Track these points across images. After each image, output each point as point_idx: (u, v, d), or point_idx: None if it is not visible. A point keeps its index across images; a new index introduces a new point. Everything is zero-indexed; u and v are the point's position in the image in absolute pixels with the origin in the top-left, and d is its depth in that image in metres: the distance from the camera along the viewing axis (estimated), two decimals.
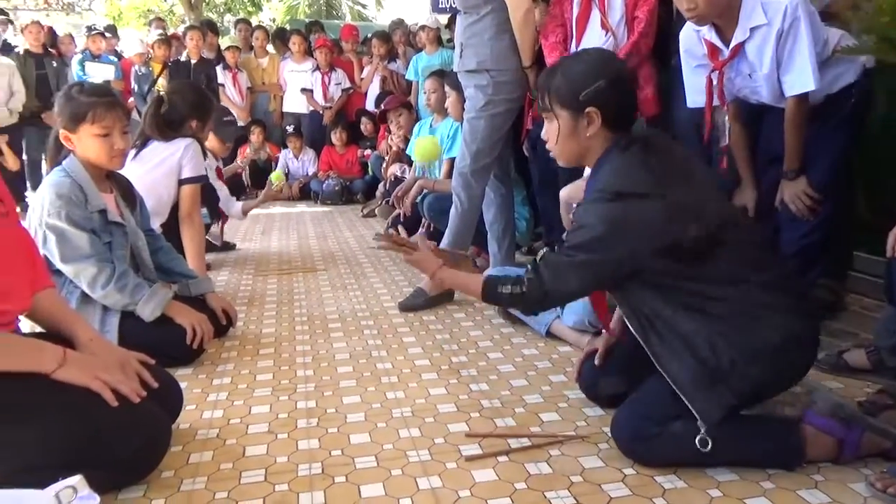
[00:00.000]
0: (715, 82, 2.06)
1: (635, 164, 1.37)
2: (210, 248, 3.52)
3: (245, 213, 3.70)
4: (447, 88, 3.34)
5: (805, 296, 1.49)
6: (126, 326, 1.99)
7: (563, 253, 1.39)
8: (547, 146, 1.52)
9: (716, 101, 2.09)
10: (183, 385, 1.76)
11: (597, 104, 1.41)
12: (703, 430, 1.34)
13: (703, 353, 1.33)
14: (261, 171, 6.42)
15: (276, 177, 4.06)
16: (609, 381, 1.67)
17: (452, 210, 2.70)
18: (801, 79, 1.90)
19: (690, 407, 1.35)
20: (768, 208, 2.15)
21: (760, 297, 1.35)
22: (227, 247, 3.95)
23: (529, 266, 1.45)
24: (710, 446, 1.34)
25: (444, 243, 2.71)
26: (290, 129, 6.40)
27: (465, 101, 2.69)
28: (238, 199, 3.98)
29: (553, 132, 1.48)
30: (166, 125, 2.69)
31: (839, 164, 2.10)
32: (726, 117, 2.14)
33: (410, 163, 4.33)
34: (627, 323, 1.45)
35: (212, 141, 3.48)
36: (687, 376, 1.35)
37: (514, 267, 2.61)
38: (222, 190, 3.51)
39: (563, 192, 2.18)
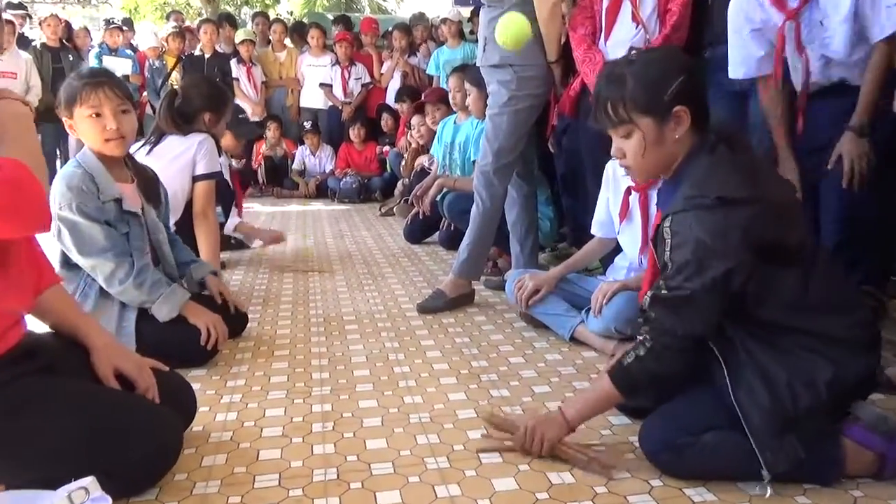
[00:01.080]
0: (790, 33, 1.92)
1: (727, 165, 1.31)
2: (226, 246, 3.53)
3: (235, 230, 3.63)
4: (467, 85, 3.33)
5: (873, 324, 1.43)
6: (140, 325, 2.00)
7: (672, 284, 1.30)
8: (624, 164, 1.43)
9: (793, 56, 1.95)
10: (196, 386, 1.77)
11: (684, 101, 1.35)
12: (766, 478, 1.31)
13: (782, 395, 1.29)
14: (276, 168, 6.46)
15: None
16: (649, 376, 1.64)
17: (474, 209, 2.69)
18: (894, 16, 1.77)
19: (757, 452, 1.30)
20: (809, 195, 2.04)
21: (838, 332, 1.32)
22: (242, 245, 3.98)
23: (639, 320, 1.37)
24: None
25: (464, 244, 2.72)
26: (307, 125, 6.43)
27: (487, 97, 2.68)
28: (249, 194, 3.91)
29: (635, 146, 1.38)
30: (180, 118, 2.71)
31: None
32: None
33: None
34: (711, 343, 1.38)
35: (227, 139, 3.50)
36: (760, 418, 1.31)
37: (537, 269, 2.62)
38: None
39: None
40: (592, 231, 2.35)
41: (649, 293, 1.35)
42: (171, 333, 2.02)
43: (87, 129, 1.93)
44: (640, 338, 1.36)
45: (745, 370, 1.33)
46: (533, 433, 1.46)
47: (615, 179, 2.23)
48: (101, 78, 1.93)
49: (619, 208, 2.17)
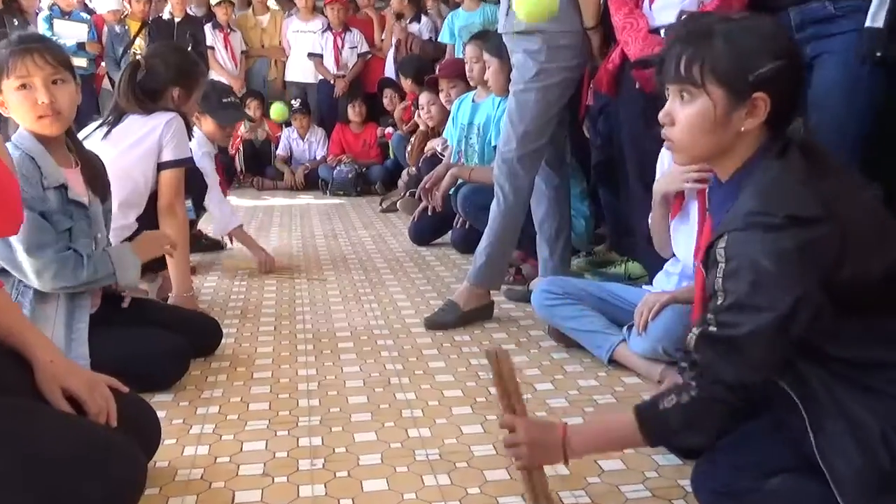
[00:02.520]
0: None
1: (800, 177, 1.27)
2: (195, 246, 3.54)
3: (229, 237, 3.65)
4: (486, 56, 3.33)
5: None
6: (91, 338, 2.00)
7: (724, 320, 1.26)
8: (668, 135, 1.40)
9: None
10: (161, 413, 1.76)
11: (769, 90, 1.31)
12: None
13: (875, 449, 1.26)
14: (257, 155, 6.48)
15: (278, 111, 3.74)
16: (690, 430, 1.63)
17: (494, 205, 2.69)
18: None
19: None
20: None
21: None
22: (216, 245, 3.99)
23: (680, 362, 1.33)
24: None
25: (481, 246, 2.71)
26: (294, 102, 6.48)
27: (510, 70, 2.67)
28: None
29: (691, 116, 1.34)
30: (144, 95, 2.71)
31: None
32: None
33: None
34: (781, 382, 1.35)
35: (208, 125, 3.52)
36: (851, 477, 1.27)
37: (571, 277, 2.62)
38: (214, 190, 3.44)
39: (658, 186, 2.14)
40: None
41: (695, 330, 1.31)
42: (130, 347, 2.03)
43: (16, 104, 1.92)
44: (685, 381, 1.32)
45: (827, 418, 1.29)
46: (521, 446, 1.43)
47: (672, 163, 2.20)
48: (32, 44, 1.91)
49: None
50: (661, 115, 1.40)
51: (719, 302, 1.27)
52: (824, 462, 1.29)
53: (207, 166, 3.43)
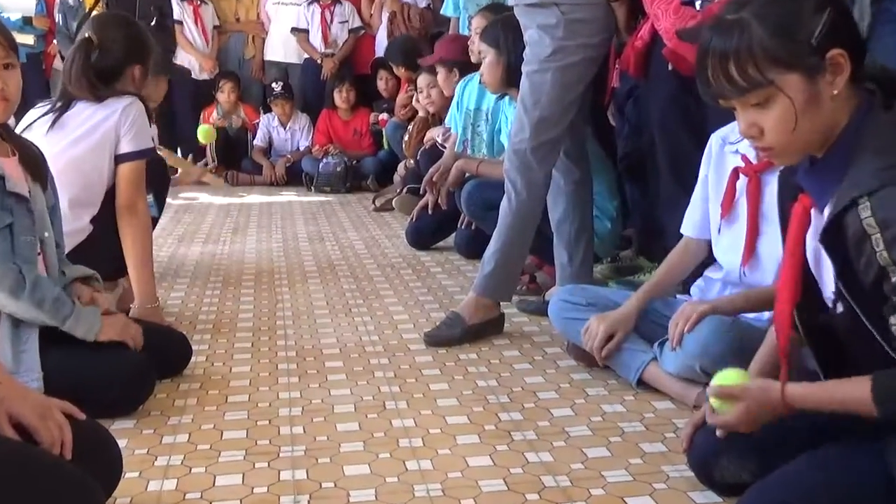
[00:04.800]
0: None
1: None
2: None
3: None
4: (482, 45, 3.18)
5: None
6: (43, 355, 1.99)
7: None
8: (762, 146, 1.40)
9: None
10: (122, 443, 1.75)
11: (838, 42, 1.31)
12: None
13: None
14: (231, 145, 6.47)
15: (204, 133, 3.64)
16: (734, 463, 1.61)
17: (504, 203, 2.68)
18: None
19: None
20: None
21: None
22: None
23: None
24: None
25: (490, 251, 2.71)
26: (275, 85, 6.47)
27: (509, 58, 2.68)
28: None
29: (780, 117, 1.34)
30: (100, 78, 2.68)
31: None
32: None
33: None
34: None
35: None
36: None
37: (595, 286, 2.62)
38: None
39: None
40: (683, 230, 2.33)
41: (893, 319, 1.28)
42: (86, 367, 2.02)
43: None
44: None
45: None
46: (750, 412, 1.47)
47: (720, 157, 2.21)
48: None
49: (721, 199, 2.16)
50: (743, 131, 1.40)
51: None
52: None
53: None
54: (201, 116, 6.39)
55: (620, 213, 3.46)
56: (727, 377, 1.54)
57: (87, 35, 2.72)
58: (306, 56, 6.64)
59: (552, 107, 2.57)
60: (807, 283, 1.45)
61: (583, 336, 2.32)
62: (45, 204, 2.12)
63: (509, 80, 2.97)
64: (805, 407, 1.41)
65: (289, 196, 5.89)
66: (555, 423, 2.06)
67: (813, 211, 1.40)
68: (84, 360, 2.05)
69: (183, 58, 6.57)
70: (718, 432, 1.56)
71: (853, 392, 1.33)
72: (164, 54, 3.43)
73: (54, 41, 6.47)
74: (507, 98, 3.43)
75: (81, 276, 2.25)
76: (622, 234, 3.62)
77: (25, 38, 6.06)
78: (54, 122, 2.63)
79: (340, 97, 6.25)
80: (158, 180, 3.09)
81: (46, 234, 2.11)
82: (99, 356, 2.07)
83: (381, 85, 6.25)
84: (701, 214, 2.28)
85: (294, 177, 6.34)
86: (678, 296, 2.45)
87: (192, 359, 2.45)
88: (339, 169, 6.01)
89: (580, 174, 2.84)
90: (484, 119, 3.77)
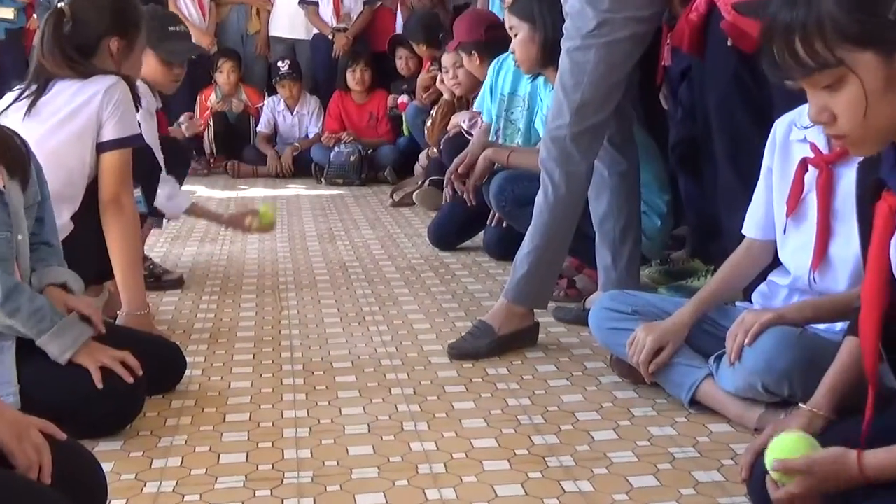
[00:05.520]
0: None
1: None
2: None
3: (188, 213, 3.62)
4: (514, 20, 3.17)
5: None
6: (20, 370, 2.00)
7: None
8: (834, 133, 1.40)
9: None
10: (108, 466, 1.77)
11: None
12: None
13: None
14: (232, 132, 6.44)
15: (265, 214, 3.56)
16: None
17: (540, 198, 2.65)
18: None
19: None
20: None
21: None
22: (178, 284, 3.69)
23: None
24: None
25: (523, 252, 2.67)
26: (280, 64, 6.48)
27: (545, 33, 2.66)
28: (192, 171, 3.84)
29: (851, 101, 1.34)
30: (74, 51, 2.66)
31: None
32: None
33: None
34: None
35: (151, 65, 3.38)
36: None
37: (642, 292, 2.60)
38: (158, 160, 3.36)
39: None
40: (745, 231, 2.30)
41: None
42: (68, 382, 2.03)
43: None
44: None
45: None
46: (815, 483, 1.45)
47: (786, 146, 2.18)
48: None
49: (787, 195, 2.13)
50: (813, 116, 1.40)
51: None
52: None
53: (149, 130, 3.28)
54: (197, 100, 6.38)
55: (672, 209, 3.45)
56: (785, 447, 1.51)
57: (60, 5, 2.72)
58: (316, 31, 6.66)
59: (596, 89, 2.52)
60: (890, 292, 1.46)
61: (628, 349, 2.32)
62: (21, 196, 2.11)
63: (545, 58, 2.97)
64: (891, 478, 1.39)
65: (296, 189, 5.94)
66: (595, 447, 2.05)
67: None
68: (66, 372, 2.04)
69: None
70: None
71: None
72: (161, 28, 3.38)
73: (34, 15, 6.44)
74: (541, 79, 3.42)
75: (54, 282, 2.25)
76: (673, 233, 3.62)
77: (5, 12, 6.05)
78: (30, 107, 2.62)
79: (354, 78, 6.27)
80: (147, 172, 3.06)
81: (20, 237, 2.12)
82: (82, 369, 2.05)
83: (399, 64, 6.24)
84: (764, 211, 2.28)
85: (302, 167, 6.35)
86: (738, 303, 2.46)
87: (187, 372, 2.45)
88: (352, 158, 6.01)
89: (626, 165, 2.82)
90: (521, 106, 3.74)
